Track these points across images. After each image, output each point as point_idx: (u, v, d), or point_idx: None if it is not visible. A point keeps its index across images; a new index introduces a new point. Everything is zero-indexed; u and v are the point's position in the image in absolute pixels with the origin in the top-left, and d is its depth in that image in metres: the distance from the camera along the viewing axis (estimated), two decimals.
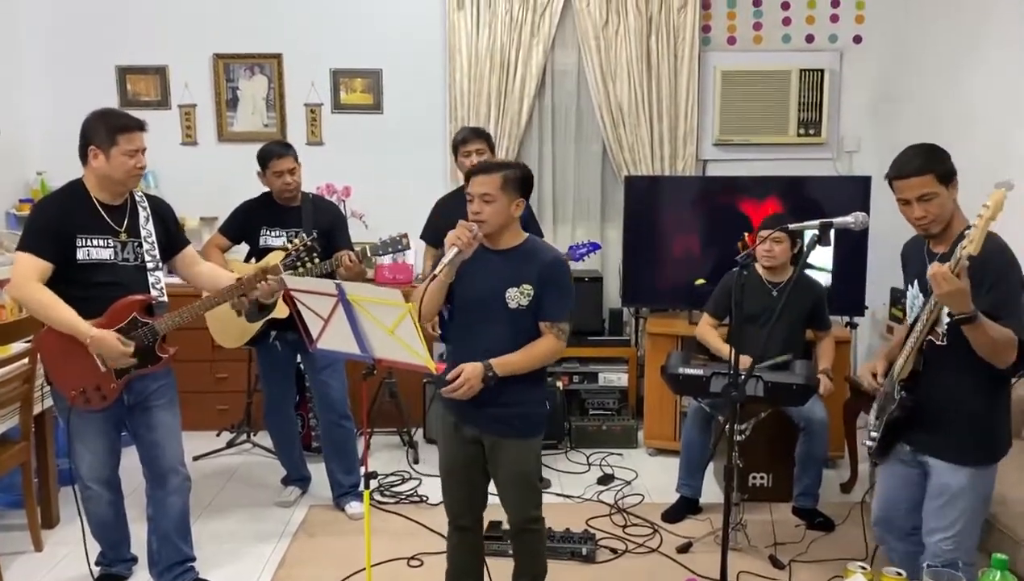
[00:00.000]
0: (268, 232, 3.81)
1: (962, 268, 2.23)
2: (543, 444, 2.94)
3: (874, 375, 2.70)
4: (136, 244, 2.94)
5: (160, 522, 3.09)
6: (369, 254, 3.53)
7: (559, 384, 4.84)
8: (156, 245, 2.99)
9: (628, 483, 4.32)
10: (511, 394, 2.62)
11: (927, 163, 2.43)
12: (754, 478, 4.04)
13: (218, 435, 4.90)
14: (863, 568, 2.05)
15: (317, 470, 4.15)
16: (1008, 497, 2.98)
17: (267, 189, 3.84)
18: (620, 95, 5.19)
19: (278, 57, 5.27)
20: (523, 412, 2.69)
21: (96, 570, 3.22)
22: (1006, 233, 2.46)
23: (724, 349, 3.70)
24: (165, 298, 2.98)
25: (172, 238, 3.12)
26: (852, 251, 4.53)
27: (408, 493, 4.14)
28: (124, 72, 5.27)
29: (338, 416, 3.87)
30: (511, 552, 2.99)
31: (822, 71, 5.24)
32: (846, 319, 4.72)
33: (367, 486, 2.64)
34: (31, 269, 2.78)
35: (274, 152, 3.76)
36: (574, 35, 5.22)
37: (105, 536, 3.19)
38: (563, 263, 2.72)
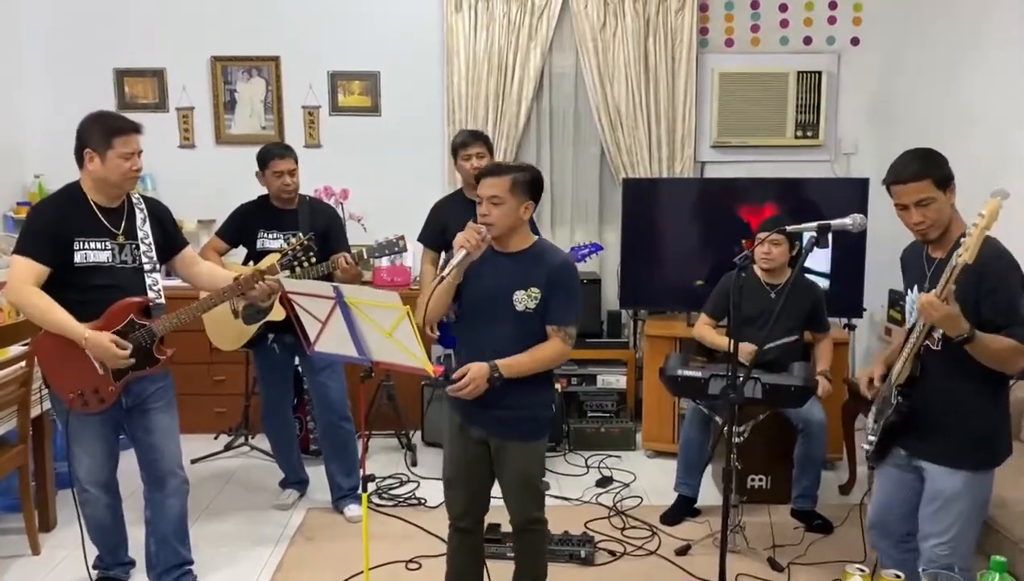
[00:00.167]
0: (265, 235, 3.80)
1: (949, 293, 2.27)
2: None
3: (871, 380, 2.71)
4: (133, 246, 2.94)
5: (158, 525, 3.08)
6: (366, 256, 3.53)
7: (557, 386, 4.83)
8: (153, 247, 2.99)
9: (626, 485, 4.32)
10: (517, 396, 2.62)
11: (924, 168, 2.44)
12: (752, 480, 4.03)
13: (216, 438, 4.90)
14: (862, 570, 2.05)
15: (315, 473, 4.15)
16: (1007, 498, 2.98)
17: (264, 192, 3.84)
18: (618, 97, 5.19)
19: (276, 59, 5.27)
20: (529, 415, 2.69)
21: (94, 573, 3.20)
22: (1006, 237, 2.46)
23: (722, 342, 3.69)
24: (162, 300, 2.97)
25: (170, 239, 3.12)
26: (850, 253, 4.53)
27: (406, 496, 4.14)
28: (122, 75, 5.27)
29: (338, 418, 3.87)
30: (509, 554, 2.99)
31: (820, 73, 5.24)
32: (844, 321, 4.72)
33: (365, 489, 2.64)
34: (28, 273, 2.77)
35: (275, 153, 3.77)
36: (572, 37, 5.22)
37: (103, 539, 3.18)
38: (572, 267, 2.72)
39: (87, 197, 2.88)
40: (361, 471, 2.68)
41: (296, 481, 4.15)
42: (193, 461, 4.51)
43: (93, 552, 3.19)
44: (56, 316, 2.77)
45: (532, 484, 2.77)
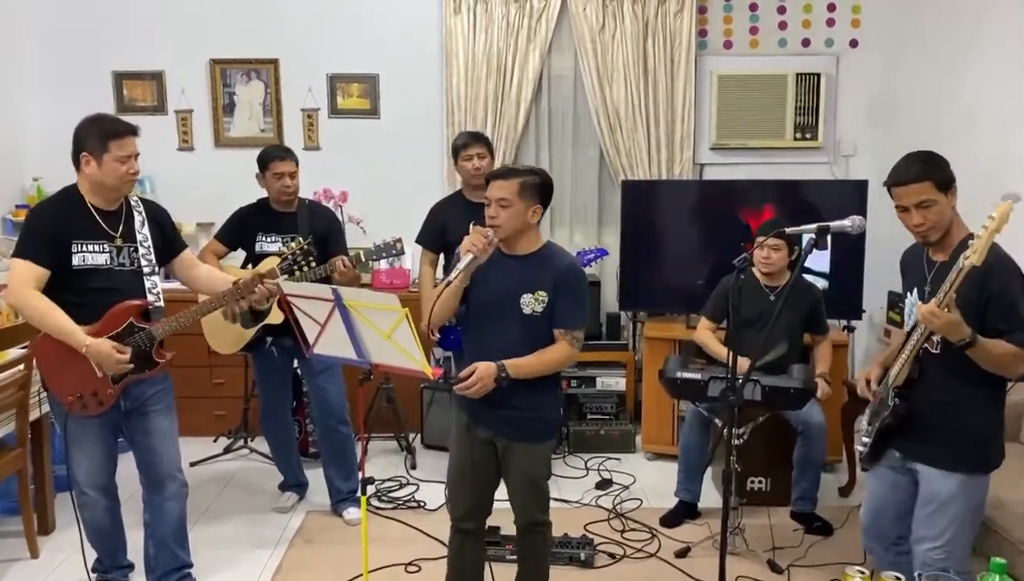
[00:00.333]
0: (264, 238, 3.80)
1: (950, 300, 2.29)
2: None
3: (868, 381, 2.71)
4: (132, 249, 2.93)
5: (157, 528, 3.08)
6: (364, 259, 3.53)
7: None
8: (152, 250, 2.98)
9: (626, 488, 4.31)
10: (525, 397, 2.63)
11: (926, 170, 2.44)
12: (752, 482, 4.03)
13: (215, 441, 4.89)
14: (862, 572, 2.05)
15: (314, 476, 4.14)
16: (1005, 500, 2.98)
17: (263, 195, 3.85)
18: (617, 99, 5.19)
19: (275, 62, 5.27)
20: (537, 416, 2.70)
21: (93, 577, 3.20)
22: (1005, 238, 2.45)
23: (722, 352, 3.70)
24: (161, 303, 2.97)
25: (169, 242, 3.12)
26: (849, 255, 4.52)
27: (406, 499, 4.13)
28: (121, 77, 5.27)
29: (336, 421, 3.87)
30: (509, 557, 2.98)
31: (818, 75, 5.24)
32: (843, 323, 4.72)
33: (364, 492, 2.63)
34: (27, 275, 2.77)
35: (276, 154, 3.78)
36: (570, 39, 5.22)
37: (102, 542, 3.17)
38: (579, 271, 2.72)
39: (85, 200, 2.88)
40: (360, 474, 2.68)
41: (295, 484, 4.14)
42: (192, 464, 4.50)
43: (92, 555, 3.19)
44: (56, 320, 2.77)
45: (538, 486, 2.78)
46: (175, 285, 3.35)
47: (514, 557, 3.03)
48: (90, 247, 2.85)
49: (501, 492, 2.82)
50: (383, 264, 4.99)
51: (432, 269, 4.23)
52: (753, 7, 5.33)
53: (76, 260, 2.82)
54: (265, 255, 3.76)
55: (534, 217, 2.65)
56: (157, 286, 2.97)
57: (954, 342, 2.34)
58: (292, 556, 3.58)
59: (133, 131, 2.88)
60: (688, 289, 4.68)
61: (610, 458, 4.73)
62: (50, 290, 2.80)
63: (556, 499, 4.14)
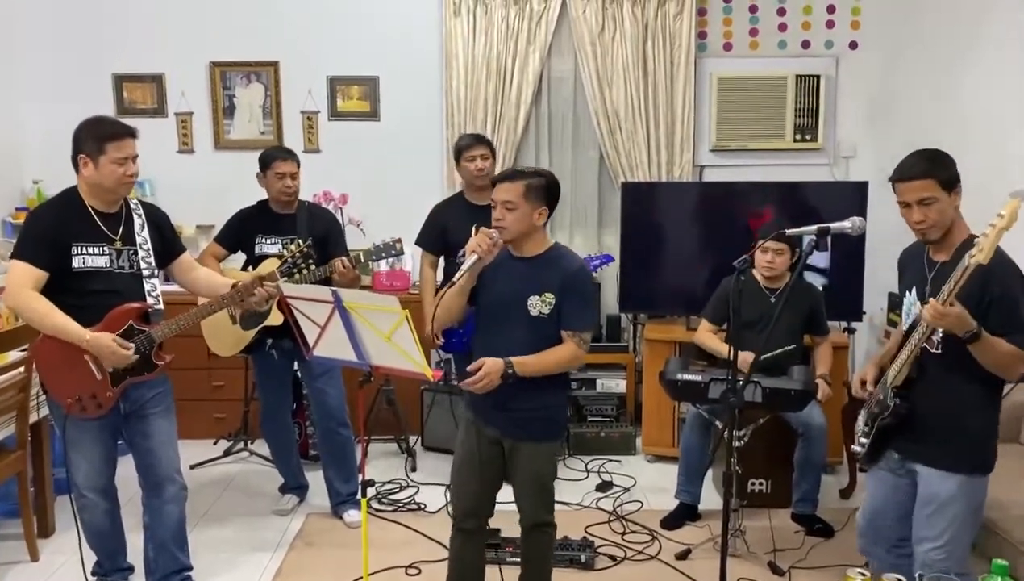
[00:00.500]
0: (264, 239, 3.80)
1: (952, 299, 2.28)
2: None
3: (863, 382, 2.70)
4: (131, 252, 2.93)
5: (156, 531, 3.07)
6: (363, 260, 3.53)
7: None
8: (152, 252, 2.98)
9: (627, 490, 4.31)
10: (532, 397, 2.63)
11: (931, 168, 2.44)
12: (753, 484, 4.03)
13: (215, 443, 4.88)
14: (863, 574, 2.04)
15: (315, 478, 4.14)
16: (1006, 501, 2.97)
17: (263, 197, 3.85)
18: (616, 101, 5.19)
19: (275, 65, 5.27)
20: (544, 415, 2.71)
21: (92, 579, 3.19)
22: (1006, 241, 2.45)
23: (724, 348, 3.69)
24: (161, 306, 2.96)
25: (168, 245, 3.12)
26: (849, 256, 4.52)
27: (406, 501, 4.13)
28: (121, 80, 5.27)
29: (336, 423, 3.86)
30: (509, 560, 2.97)
31: (818, 77, 5.24)
32: (844, 324, 4.72)
33: (364, 494, 2.63)
34: (26, 277, 2.77)
35: (277, 155, 3.78)
36: (570, 42, 5.22)
37: (101, 545, 3.17)
38: (586, 273, 2.72)
39: (84, 202, 2.88)
40: (360, 476, 2.68)
41: (295, 486, 4.14)
42: (192, 467, 4.50)
43: (91, 558, 3.18)
44: (56, 320, 2.76)
45: (545, 486, 2.78)
46: (175, 288, 3.35)
47: (515, 560, 3.03)
48: (90, 249, 2.84)
49: (502, 495, 2.82)
50: (383, 265, 4.99)
51: (433, 271, 4.23)
52: (753, 9, 5.33)
53: (76, 262, 2.82)
54: (265, 257, 3.76)
55: (540, 219, 2.64)
56: (157, 289, 2.97)
57: (961, 335, 2.34)
58: (292, 559, 3.57)
59: (131, 133, 2.87)
60: (688, 291, 4.68)
61: (610, 460, 4.72)
62: (50, 292, 2.79)
63: (556, 501, 4.11)
